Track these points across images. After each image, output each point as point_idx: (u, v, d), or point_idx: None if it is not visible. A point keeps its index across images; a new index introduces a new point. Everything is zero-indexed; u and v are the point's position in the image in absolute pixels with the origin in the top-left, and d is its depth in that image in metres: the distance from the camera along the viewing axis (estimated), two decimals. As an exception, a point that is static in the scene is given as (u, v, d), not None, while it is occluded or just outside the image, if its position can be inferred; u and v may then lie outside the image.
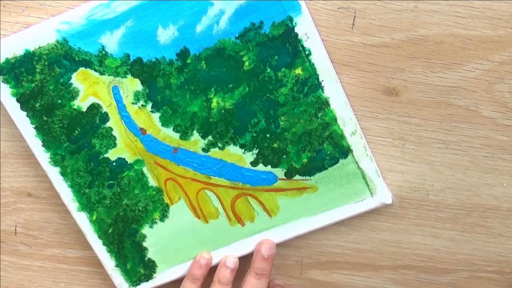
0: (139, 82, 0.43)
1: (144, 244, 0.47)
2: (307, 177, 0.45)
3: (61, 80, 0.43)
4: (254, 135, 0.44)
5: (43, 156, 0.44)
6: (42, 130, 0.44)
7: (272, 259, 0.46)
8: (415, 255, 0.48)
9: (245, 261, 0.48)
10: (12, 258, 0.50)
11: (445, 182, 0.46)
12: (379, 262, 0.49)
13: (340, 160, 0.45)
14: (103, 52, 0.42)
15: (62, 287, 0.51)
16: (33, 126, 0.44)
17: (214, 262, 0.47)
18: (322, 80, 0.43)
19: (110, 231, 0.47)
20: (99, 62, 0.42)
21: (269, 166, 0.45)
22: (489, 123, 0.45)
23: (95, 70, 0.43)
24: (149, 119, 0.44)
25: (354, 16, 0.42)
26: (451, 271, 0.49)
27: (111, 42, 0.42)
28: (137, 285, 0.48)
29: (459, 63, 0.43)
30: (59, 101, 0.43)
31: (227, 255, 0.47)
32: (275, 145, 0.45)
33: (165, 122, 0.44)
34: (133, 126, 0.44)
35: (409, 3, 0.42)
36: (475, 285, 0.49)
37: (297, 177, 0.45)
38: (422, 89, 0.44)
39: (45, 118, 0.44)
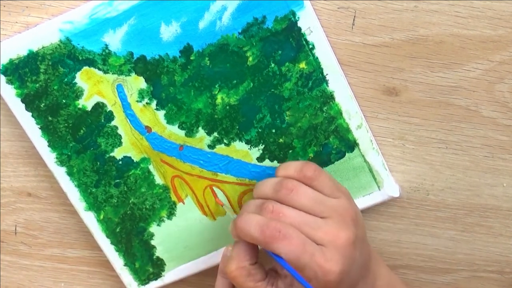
0: (143, 80, 0.43)
1: (152, 242, 0.47)
2: (314, 172, 0.45)
3: (65, 79, 0.42)
4: (260, 130, 0.44)
5: (49, 156, 0.44)
6: (47, 130, 0.44)
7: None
8: (415, 255, 0.49)
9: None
10: (12, 258, 0.50)
11: (445, 182, 0.46)
12: (379, 262, 0.49)
13: (347, 154, 0.45)
14: (107, 51, 0.42)
15: (62, 287, 0.51)
16: (39, 126, 0.43)
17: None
18: (327, 74, 0.43)
19: (117, 230, 0.46)
20: (103, 60, 0.42)
21: (275, 162, 0.45)
22: (489, 123, 0.45)
23: (99, 69, 0.42)
24: (154, 117, 0.44)
25: (354, 16, 0.42)
26: (451, 271, 0.49)
27: (114, 40, 0.42)
28: (146, 284, 0.48)
29: (459, 63, 0.43)
30: (64, 101, 0.43)
31: None
32: (281, 140, 0.45)
33: (170, 119, 0.44)
34: (138, 124, 0.44)
35: (409, 3, 0.42)
36: (475, 285, 0.49)
37: (303, 171, 0.45)
38: (422, 89, 0.44)
39: (50, 118, 0.43)
